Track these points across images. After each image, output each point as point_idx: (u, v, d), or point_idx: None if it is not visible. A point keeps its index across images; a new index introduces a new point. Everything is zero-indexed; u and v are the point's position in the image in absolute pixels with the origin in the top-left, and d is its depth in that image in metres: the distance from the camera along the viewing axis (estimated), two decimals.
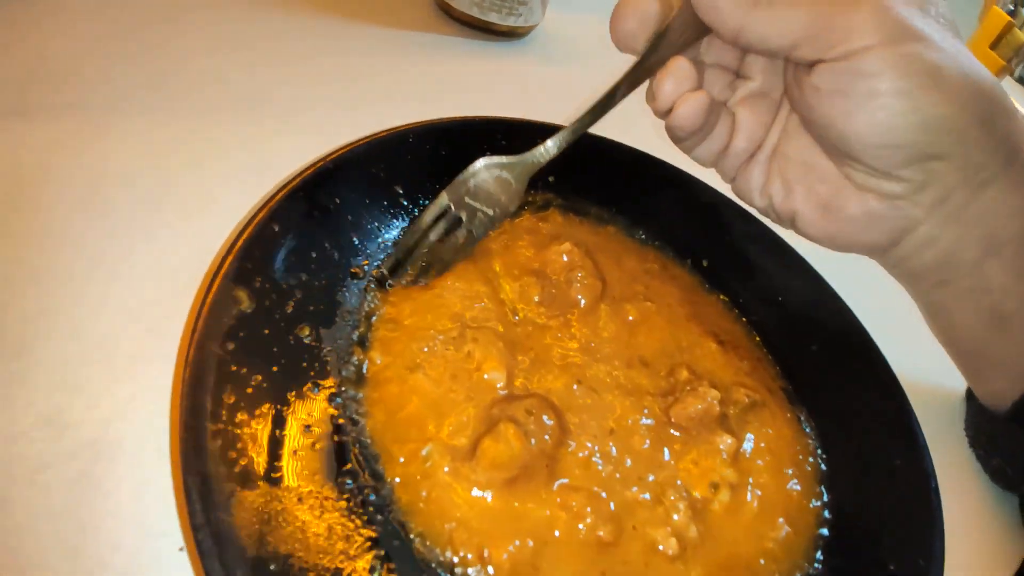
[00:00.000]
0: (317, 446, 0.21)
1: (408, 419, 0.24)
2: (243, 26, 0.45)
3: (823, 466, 0.29)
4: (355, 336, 0.25)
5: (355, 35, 0.49)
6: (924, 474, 0.26)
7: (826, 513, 0.27)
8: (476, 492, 0.22)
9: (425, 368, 0.25)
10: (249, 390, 0.21)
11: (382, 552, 0.20)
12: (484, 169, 0.29)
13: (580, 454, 0.25)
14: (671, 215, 0.38)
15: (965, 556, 0.30)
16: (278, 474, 0.20)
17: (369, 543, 0.20)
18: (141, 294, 0.27)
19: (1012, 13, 0.82)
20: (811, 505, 0.27)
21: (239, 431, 0.19)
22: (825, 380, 0.32)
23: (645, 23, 0.26)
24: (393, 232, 0.30)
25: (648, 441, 0.27)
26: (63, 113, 0.34)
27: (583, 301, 0.32)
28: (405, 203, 0.31)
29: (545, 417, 0.24)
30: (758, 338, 0.35)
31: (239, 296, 0.22)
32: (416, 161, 0.32)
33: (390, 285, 0.28)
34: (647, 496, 0.25)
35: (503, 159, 0.29)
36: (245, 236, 0.24)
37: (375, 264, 0.28)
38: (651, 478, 0.25)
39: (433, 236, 0.29)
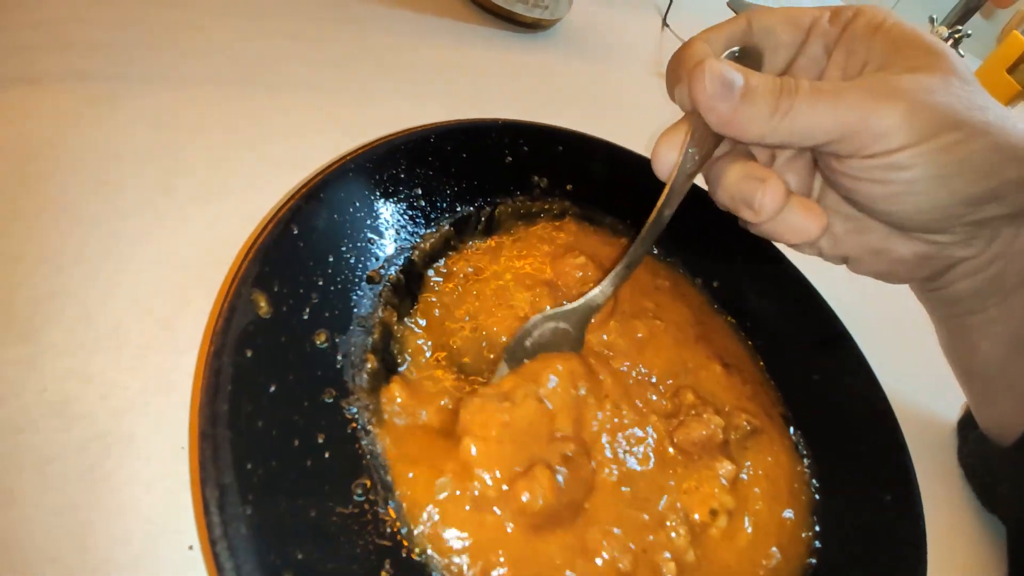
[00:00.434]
0: (329, 455, 0.22)
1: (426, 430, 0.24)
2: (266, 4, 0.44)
3: (816, 496, 0.30)
4: (369, 343, 0.25)
5: (378, 16, 0.48)
6: (913, 514, 0.27)
7: (816, 543, 0.28)
8: (493, 520, 0.22)
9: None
10: (265, 398, 0.20)
11: (392, 563, 0.20)
12: (540, 323, 0.28)
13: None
14: (686, 232, 0.38)
15: None
16: (293, 484, 0.20)
17: (379, 554, 0.20)
18: (153, 281, 0.27)
19: None
20: (803, 535, 0.28)
21: (256, 441, 0.19)
22: (824, 411, 0.32)
23: (678, 148, 0.26)
24: (410, 236, 0.30)
25: (652, 463, 0.27)
26: (71, 81, 0.33)
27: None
28: (423, 204, 0.31)
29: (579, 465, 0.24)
30: (761, 363, 0.35)
31: (257, 301, 0.22)
32: (437, 163, 0.31)
33: None
34: (647, 517, 0.26)
35: (559, 310, 0.29)
36: (264, 237, 0.23)
37: (391, 269, 0.28)
38: (658, 500, 0.26)
39: None
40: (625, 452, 0.27)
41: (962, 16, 1.03)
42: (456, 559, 0.21)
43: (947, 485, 0.37)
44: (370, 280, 0.27)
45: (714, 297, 0.37)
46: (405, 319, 0.28)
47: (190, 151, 0.32)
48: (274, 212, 0.24)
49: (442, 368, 0.27)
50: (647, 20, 0.71)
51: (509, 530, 0.22)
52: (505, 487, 0.22)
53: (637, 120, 0.52)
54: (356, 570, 0.19)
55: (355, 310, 0.26)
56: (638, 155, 0.39)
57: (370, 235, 0.28)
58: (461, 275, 0.31)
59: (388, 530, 0.21)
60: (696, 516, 0.26)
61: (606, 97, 0.54)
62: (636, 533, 0.25)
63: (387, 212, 0.29)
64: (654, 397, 0.30)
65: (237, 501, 0.17)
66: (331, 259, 0.26)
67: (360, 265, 0.27)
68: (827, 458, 0.31)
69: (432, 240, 0.31)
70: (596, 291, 0.29)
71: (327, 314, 0.24)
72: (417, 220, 0.30)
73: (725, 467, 0.28)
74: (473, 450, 0.23)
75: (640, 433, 0.28)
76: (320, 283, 0.25)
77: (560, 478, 0.24)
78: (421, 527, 0.21)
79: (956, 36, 0.98)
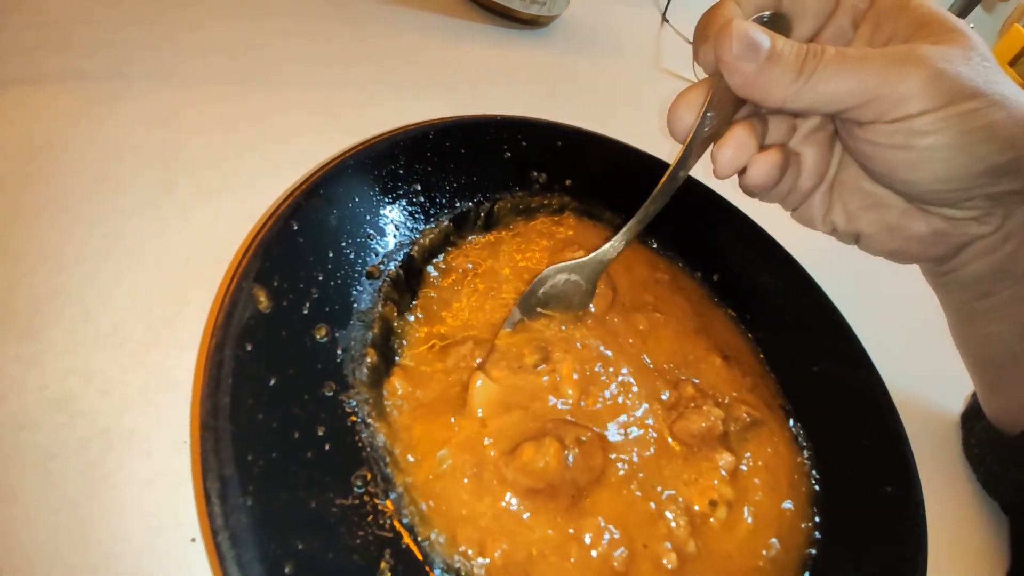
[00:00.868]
0: (329, 447, 0.22)
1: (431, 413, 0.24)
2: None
3: (816, 487, 0.30)
4: (369, 337, 0.25)
5: (376, 14, 0.48)
6: (913, 504, 0.27)
7: (816, 534, 0.28)
8: (494, 494, 0.22)
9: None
10: (266, 392, 0.21)
11: (392, 553, 0.20)
12: (553, 275, 0.29)
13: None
14: (685, 226, 0.38)
15: (946, 572, 0.31)
16: (293, 476, 0.20)
17: (379, 544, 0.20)
18: (154, 280, 0.27)
19: None
20: (802, 525, 0.28)
21: (257, 433, 0.19)
22: (823, 403, 0.32)
23: (696, 111, 0.26)
24: (410, 232, 0.30)
25: (652, 452, 0.27)
26: (72, 81, 0.33)
27: (593, 308, 0.32)
28: (423, 200, 0.31)
29: (591, 453, 0.25)
30: (761, 355, 0.35)
31: (257, 295, 0.22)
32: (436, 159, 0.31)
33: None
34: (652, 506, 0.26)
35: (572, 263, 0.29)
36: (264, 233, 0.23)
37: (391, 264, 0.28)
38: (659, 491, 0.26)
39: None
40: (626, 440, 0.27)
41: (963, 9, 1.03)
42: (453, 535, 0.21)
43: (949, 477, 0.37)
44: (370, 276, 0.27)
45: (714, 290, 0.37)
46: (405, 314, 0.28)
47: (190, 150, 0.32)
48: (274, 208, 0.25)
49: (440, 357, 0.27)
50: (646, 15, 0.71)
51: (506, 502, 0.22)
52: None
53: (636, 116, 0.52)
54: (356, 560, 0.19)
55: (355, 305, 0.26)
56: (637, 150, 0.39)
57: (369, 231, 0.28)
58: (460, 270, 0.31)
59: (388, 521, 0.21)
60: (696, 507, 0.27)
61: (605, 93, 0.54)
62: (637, 525, 0.25)
63: (386, 208, 0.29)
64: (657, 389, 0.30)
65: (238, 492, 0.18)
66: (331, 255, 0.26)
67: (360, 261, 0.27)
68: (827, 450, 0.31)
69: (431, 236, 0.31)
70: (608, 246, 0.29)
71: (327, 309, 0.25)
72: (416, 216, 0.31)
73: (725, 458, 0.28)
74: (480, 411, 0.23)
75: (640, 424, 0.28)
76: (320, 278, 0.25)
77: (570, 457, 0.24)
78: (423, 505, 0.22)
79: None
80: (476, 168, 0.33)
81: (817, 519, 0.28)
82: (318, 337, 0.24)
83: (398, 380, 0.25)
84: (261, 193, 0.31)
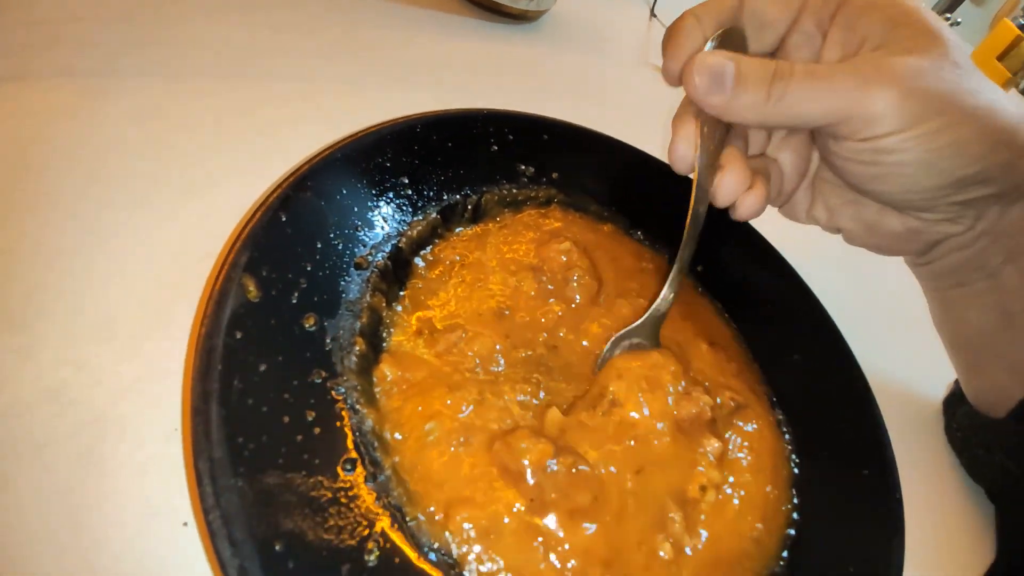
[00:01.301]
0: (319, 431, 0.22)
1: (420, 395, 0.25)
2: None
3: (796, 470, 0.31)
4: (357, 327, 0.26)
5: (365, 8, 0.48)
6: (889, 486, 0.28)
7: (795, 515, 0.29)
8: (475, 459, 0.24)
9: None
10: (256, 378, 0.21)
11: (380, 534, 0.21)
12: (617, 342, 0.30)
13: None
14: (669, 218, 0.38)
15: (931, 560, 0.32)
16: (283, 459, 0.20)
17: (368, 525, 0.21)
18: (145, 271, 0.28)
19: (1023, 27, 0.83)
20: (783, 507, 0.29)
21: (247, 417, 0.20)
22: (803, 389, 0.33)
23: (693, 143, 0.27)
24: (398, 223, 0.30)
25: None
26: (63, 78, 0.33)
27: (578, 299, 0.33)
28: (410, 193, 0.31)
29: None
30: (745, 344, 0.36)
31: (247, 285, 0.22)
32: (423, 152, 0.32)
33: None
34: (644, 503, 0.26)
35: (630, 328, 0.30)
36: (253, 224, 0.24)
37: (379, 255, 0.29)
38: (653, 481, 0.27)
39: None
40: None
41: (952, 3, 1.04)
42: (449, 535, 0.22)
43: (932, 464, 0.37)
44: (358, 266, 0.28)
45: (698, 281, 0.38)
46: (393, 304, 0.29)
47: (180, 144, 0.33)
48: (263, 200, 0.25)
49: (429, 343, 0.27)
50: (635, 11, 0.72)
51: (484, 470, 0.23)
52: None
53: (624, 110, 0.53)
54: (345, 540, 0.20)
55: (343, 295, 0.26)
56: (624, 144, 0.39)
57: (358, 222, 0.29)
58: (448, 262, 0.32)
59: (377, 503, 0.21)
60: (686, 495, 0.27)
61: (593, 88, 0.54)
62: (625, 515, 0.25)
63: (374, 200, 0.30)
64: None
65: (229, 473, 0.18)
66: (319, 245, 0.26)
67: (348, 252, 0.28)
68: (806, 434, 0.31)
69: (419, 227, 0.31)
70: (659, 301, 0.30)
71: (315, 299, 0.25)
72: (404, 208, 0.31)
73: (712, 444, 0.29)
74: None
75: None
76: (308, 269, 0.25)
77: (553, 464, 0.24)
78: (410, 484, 0.22)
79: (947, 24, 0.99)
80: (463, 161, 0.34)
81: (796, 501, 0.29)
82: (307, 326, 0.24)
83: (387, 367, 0.25)
84: (250, 186, 0.32)
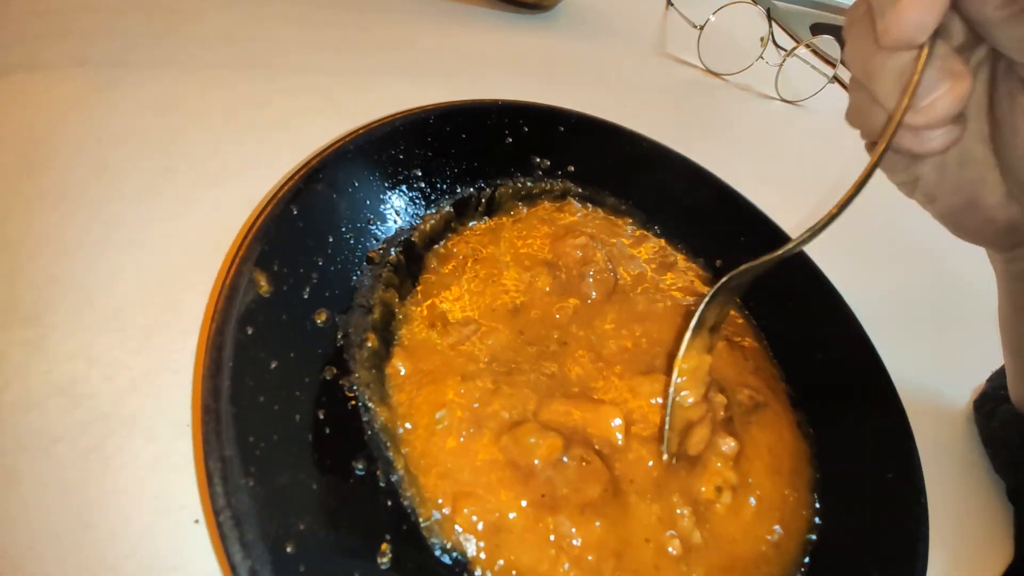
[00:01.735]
0: (330, 430, 0.22)
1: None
2: None
3: (818, 473, 0.30)
4: (369, 322, 0.25)
5: None
6: (915, 490, 0.27)
7: (817, 519, 0.28)
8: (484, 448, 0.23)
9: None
10: (267, 375, 0.21)
11: (392, 535, 0.20)
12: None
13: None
14: (688, 212, 0.38)
15: (949, 560, 0.31)
16: (294, 458, 0.20)
17: (380, 527, 0.20)
18: (156, 265, 0.27)
19: None
20: (804, 511, 0.28)
21: (258, 415, 0.20)
22: (826, 389, 0.32)
23: (938, 10, 0.20)
24: (411, 217, 0.30)
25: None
26: (73, 68, 0.33)
27: (594, 294, 0.32)
28: (423, 186, 0.31)
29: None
30: (765, 341, 0.35)
31: (258, 280, 0.22)
32: (436, 144, 0.31)
33: None
34: (654, 501, 0.26)
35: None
36: (264, 217, 0.23)
37: (392, 250, 0.28)
38: (663, 484, 0.26)
39: None
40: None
41: None
42: (458, 528, 0.22)
43: (952, 466, 0.36)
44: (370, 261, 0.27)
45: (717, 276, 0.37)
46: (405, 299, 0.28)
47: (191, 136, 0.32)
48: (274, 193, 0.24)
49: (442, 334, 0.27)
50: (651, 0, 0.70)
51: (491, 459, 0.23)
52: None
53: (640, 101, 0.52)
54: (357, 541, 0.19)
55: (355, 290, 0.26)
56: (642, 136, 0.38)
57: (370, 216, 0.28)
58: (461, 256, 0.31)
59: (388, 503, 0.21)
60: (700, 495, 0.26)
61: (609, 78, 0.53)
62: (636, 516, 0.25)
63: (387, 193, 0.29)
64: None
65: (240, 473, 0.18)
66: (331, 240, 0.26)
67: (360, 246, 0.27)
68: (828, 436, 0.31)
69: (432, 221, 0.31)
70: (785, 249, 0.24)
71: (327, 294, 0.25)
72: (417, 201, 0.30)
73: (728, 443, 0.28)
74: None
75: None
76: (320, 263, 0.25)
77: (564, 458, 0.24)
78: (421, 482, 0.22)
79: None
80: (477, 153, 0.33)
81: (818, 505, 0.28)
82: (318, 322, 0.24)
83: (400, 361, 0.25)
84: (261, 179, 0.31)
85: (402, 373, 0.25)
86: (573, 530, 0.23)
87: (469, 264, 0.31)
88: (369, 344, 0.25)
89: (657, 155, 0.38)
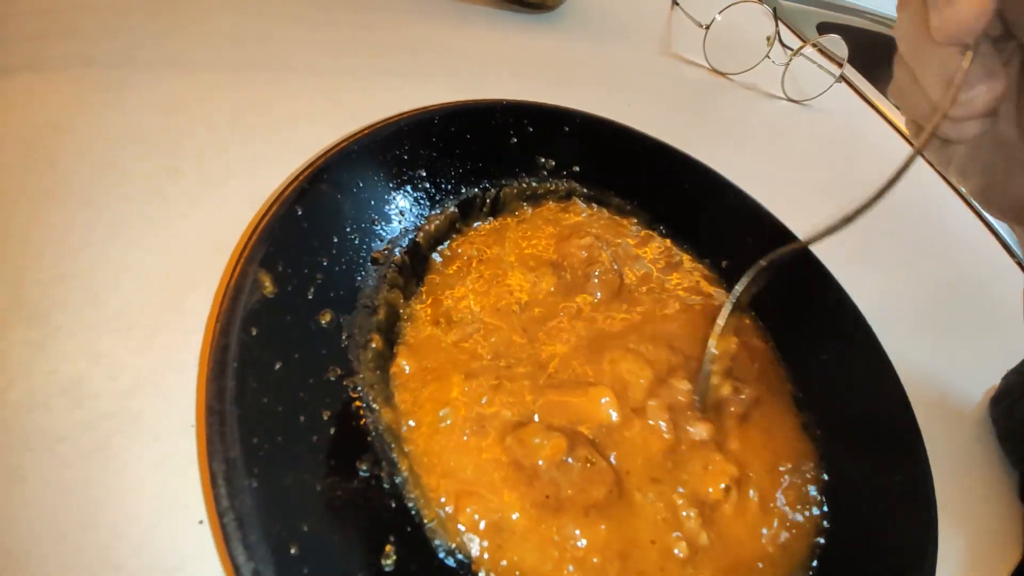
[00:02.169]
0: (334, 431, 0.22)
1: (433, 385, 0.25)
2: None
3: (825, 475, 0.30)
4: (374, 323, 0.25)
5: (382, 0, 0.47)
6: (924, 493, 0.27)
7: (824, 523, 0.28)
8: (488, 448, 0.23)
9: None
10: (271, 375, 0.21)
11: (396, 537, 0.20)
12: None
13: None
14: (693, 212, 0.37)
15: (958, 559, 0.31)
16: (299, 460, 0.20)
17: (384, 529, 0.20)
18: (160, 264, 0.27)
19: None
20: (811, 513, 0.28)
21: (262, 416, 0.20)
22: (833, 390, 0.32)
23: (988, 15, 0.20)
24: (415, 218, 0.30)
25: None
26: (78, 68, 0.33)
27: (599, 295, 0.32)
28: (427, 187, 0.31)
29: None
30: (771, 342, 0.35)
31: (262, 280, 0.22)
32: (441, 144, 0.31)
33: None
34: (658, 500, 0.25)
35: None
36: (268, 218, 0.23)
37: (396, 250, 0.28)
38: (668, 482, 0.26)
39: None
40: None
41: None
42: (461, 527, 0.21)
43: (961, 464, 0.36)
44: (375, 261, 0.27)
45: (722, 276, 0.37)
46: (410, 300, 0.28)
47: (196, 136, 0.32)
48: (279, 193, 0.24)
49: (446, 332, 0.27)
50: None
51: (495, 459, 0.23)
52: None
53: (646, 101, 0.51)
54: (361, 543, 0.19)
55: (360, 291, 0.26)
56: (647, 136, 0.38)
57: (374, 216, 0.28)
58: (465, 257, 0.31)
59: (393, 505, 0.21)
60: (705, 496, 0.26)
61: (614, 78, 0.53)
62: (641, 517, 0.25)
63: (391, 194, 0.29)
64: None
65: (244, 474, 0.18)
66: (335, 240, 0.26)
67: (365, 246, 0.27)
68: (837, 437, 0.30)
69: (437, 222, 0.31)
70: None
71: (331, 294, 0.24)
72: (421, 202, 0.30)
73: (732, 443, 0.28)
74: None
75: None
76: (324, 264, 0.25)
77: (568, 459, 0.24)
78: (425, 483, 0.22)
79: None
80: (482, 154, 0.33)
81: (826, 508, 0.28)
82: (323, 322, 0.24)
83: (404, 359, 0.25)
84: (266, 179, 0.31)
85: (406, 371, 0.25)
86: (577, 532, 0.23)
87: (474, 264, 0.31)
88: (373, 345, 0.25)
89: (662, 155, 0.38)
